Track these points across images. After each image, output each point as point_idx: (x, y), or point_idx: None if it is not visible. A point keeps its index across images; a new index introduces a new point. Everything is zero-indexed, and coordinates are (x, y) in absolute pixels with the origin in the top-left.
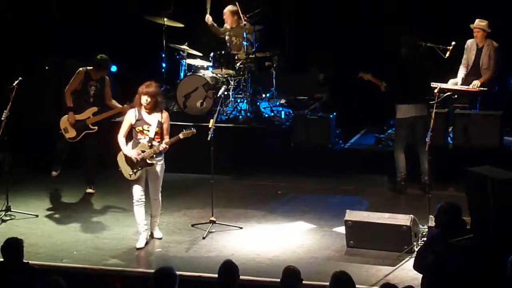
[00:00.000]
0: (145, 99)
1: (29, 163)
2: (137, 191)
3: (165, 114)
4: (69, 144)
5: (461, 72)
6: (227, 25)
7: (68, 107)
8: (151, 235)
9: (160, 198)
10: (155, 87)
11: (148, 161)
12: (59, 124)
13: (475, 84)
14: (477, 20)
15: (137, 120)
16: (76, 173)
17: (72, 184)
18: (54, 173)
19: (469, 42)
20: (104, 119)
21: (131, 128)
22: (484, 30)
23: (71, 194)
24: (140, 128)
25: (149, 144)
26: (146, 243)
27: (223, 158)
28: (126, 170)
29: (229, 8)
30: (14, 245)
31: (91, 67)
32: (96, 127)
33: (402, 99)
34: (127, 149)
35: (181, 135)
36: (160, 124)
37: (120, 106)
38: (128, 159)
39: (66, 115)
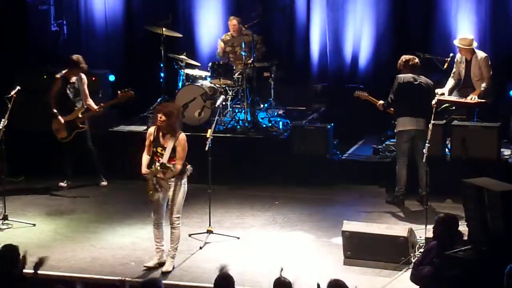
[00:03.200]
0: (159, 117)
1: (27, 171)
2: (154, 213)
3: (181, 136)
4: (68, 149)
5: (449, 83)
6: (229, 35)
7: (54, 113)
8: (159, 264)
9: (177, 225)
10: (172, 108)
11: (158, 185)
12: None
13: (473, 98)
14: (459, 39)
15: (154, 139)
16: (73, 183)
17: (70, 193)
18: (61, 184)
19: (458, 55)
20: (93, 116)
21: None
22: (465, 49)
23: (68, 203)
24: (155, 150)
25: (161, 169)
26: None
27: (220, 168)
28: (148, 189)
29: (237, 18)
30: (9, 253)
31: (66, 70)
32: (85, 126)
33: (402, 112)
34: (143, 167)
35: (188, 173)
36: (174, 148)
37: (95, 107)
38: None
39: (56, 118)
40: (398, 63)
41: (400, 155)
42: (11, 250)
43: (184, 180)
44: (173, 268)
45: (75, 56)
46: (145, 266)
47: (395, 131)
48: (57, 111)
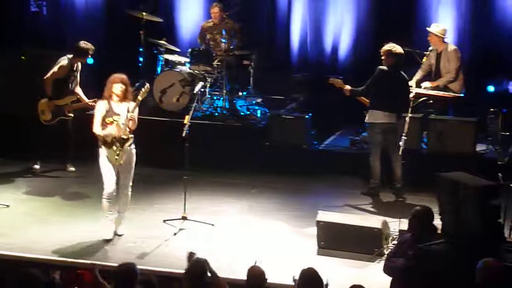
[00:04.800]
0: (119, 87)
1: (2, 153)
2: (111, 185)
3: (134, 103)
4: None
5: (417, 75)
6: (211, 22)
7: (49, 96)
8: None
9: (130, 190)
10: (124, 76)
11: (124, 137)
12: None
13: (426, 86)
14: (433, 24)
15: (107, 112)
16: (50, 164)
17: (48, 176)
18: (36, 166)
19: (431, 47)
20: (80, 109)
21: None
22: (436, 35)
23: (42, 186)
24: (110, 119)
25: (123, 123)
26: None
27: (197, 155)
28: (112, 155)
29: (218, 5)
30: None
31: (72, 56)
32: (71, 115)
33: (376, 105)
34: (105, 131)
35: (139, 97)
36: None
37: (84, 98)
38: (109, 144)
39: (46, 99)
40: (381, 51)
41: (373, 147)
42: None
43: (133, 143)
44: None
45: (83, 44)
46: (108, 240)
47: (365, 121)
48: (52, 95)
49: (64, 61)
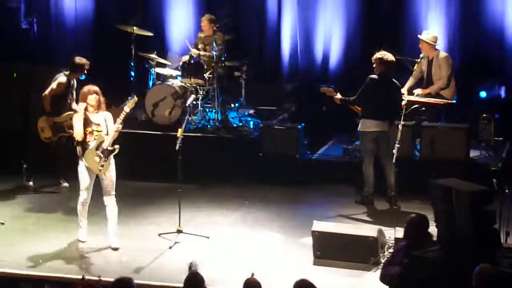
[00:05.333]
0: (93, 98)
1: None
2: (87, 192)
3: (109, 114)
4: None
5: (409, 82)
6: (202, 34)
7: (48, 112)
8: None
9: (115, 202)
10: (95, 86)
11: (110, 148)
12: (34, 123)
13: (418, 94)
14: (423, 32)
15: (85, 122)
16: (44, 181)
17: (42, 192)
18: (30, 183)
19: (422, 55)
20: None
21: None
22: (426, 42)
23: (40, 202)
24: (90, 129)
25: (106, 134)
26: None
27: (190, 168)
28: (94, 165)
29: (207, 17)
30: None
31: (69, 72)
32: (71, 131)
33: (368, 114)
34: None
35: (126, 108)
36: (105, 122)
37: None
38: (92, 155)
39: (45, 116)
40: (372, 59)
41: (366, 155)
42: None
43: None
44: None
45: (78, 59)
46: (82, 241)
47: (358, 130)
48: (50, 112)
49: (61, 78)
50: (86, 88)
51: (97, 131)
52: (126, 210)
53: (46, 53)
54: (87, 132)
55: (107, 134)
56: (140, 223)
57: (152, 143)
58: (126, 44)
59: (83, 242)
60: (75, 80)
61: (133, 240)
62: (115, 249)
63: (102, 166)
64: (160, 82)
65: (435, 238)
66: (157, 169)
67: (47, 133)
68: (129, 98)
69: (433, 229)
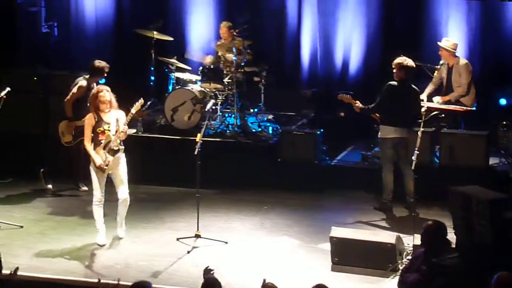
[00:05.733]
0: (106, 94)
1: (16, 173)
2: (100, 191)
3: (121, 112)
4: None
5: (428, 89)
6: (220, 42)
7: (69, 117)
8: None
9: (128, 197)
10: (106, 86)
11: (115, 148)
12: (54, 127)
13: (438, 101)
14: (443, 39)
15: (96, 122)
16: (63, 184)
17: (60, 195)
18: (49, 186)
19: (442, 61)
20: None
21: (92, 131)
22: (446, 50)
23: (55, 205)
24: (101, 129)
25: (113, 135)
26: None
27: (209, 172)
28: (99, 166)
29: (226, 24)
30: None
31: (89, 76)
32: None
33: (387, 121)
34: (94, 155)
35: (133, 110)
36: (117, 122)
37: None
38: (99, 155)
39: (66, 121)
40: (392, 64)
41: (385, 162)
42: None
43: (123, 154)
44: None
45: (98, 62)
46: (101, 245)
47: (378, 137)
48: (72, 117)
49: (82, 81)
50: (96, 89)
51: (108, 130)
52: (144, 215)
53: (66, 57)
54: (99, 132)
55: (114, 134)
56: (158, 228)
57: (171, 148)
58: (146, 48)
59: (102, 246)
60: (95, 84)
61: (152, 245)
62: (120, 238)
63: (106, 165)
64: (179, 86)
65: (453, 245)
66: (176, 174)
67: (68, 138)
68: (148, 103)
69: (451, 236)
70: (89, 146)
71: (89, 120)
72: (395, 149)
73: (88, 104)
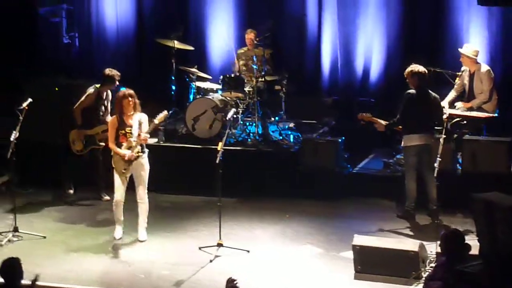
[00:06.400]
0: (129, 100)
1: (37, 183)
2: (121, 190)
3: (144, 115)
4: (75, 158)
5: (450, 95)
6: (241, 50)
7: (78, 125)
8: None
9: (147, 199)
10: (131, 90)
11: (135, 154)
12: (68, 136)
13: (460, 107)
14: (464, 45)
15: (119, 125)
16: (85, 194)
17: (81, 204)
18: (70, 191)
19: (463, 67)
20: None
21: (115, 133)
22: (468, 56)
23: (77, 215)
24: (123, 131)
25: (135, 140)
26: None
27: (231, 181)
28: (119, 167)
29: (253, 31)
30: (9, 266)
31: (100, 84)
32: (103, 144)
33: (409, 129)
34: (122, 150)
35: (156, 121)
36: (140, 125)
37: None
38: (121, 158)
39: (76, 129)
40: (404, 74)
41: (408, 169)
42: (13, 263)
43: (147, 153)
44: None
45: (108, 70)
46: (118, 239)
47: (401, 146)
48: (82, 125)
49: (90, 90)
50: (121, 93)
51: (130, 133)
52: (167, 223)
53: (88, 67)
54: (121, 134)
55: (136, 139)
56: (180, 237)
57: (193, 157)
58: (167, 58)
59: (118, 239)
60: (109, 92)
61: (174, 253)
62: (142, 241)
63: (124, 169)
64: (200, 96)
65: (473, 250)
66: (198, 183)
67: (79, 146)
68: (170, 112)
69: (474, 243)
70: (113, 144)
71: (112, 123)
72: (419, 156)
73: (100, 114)
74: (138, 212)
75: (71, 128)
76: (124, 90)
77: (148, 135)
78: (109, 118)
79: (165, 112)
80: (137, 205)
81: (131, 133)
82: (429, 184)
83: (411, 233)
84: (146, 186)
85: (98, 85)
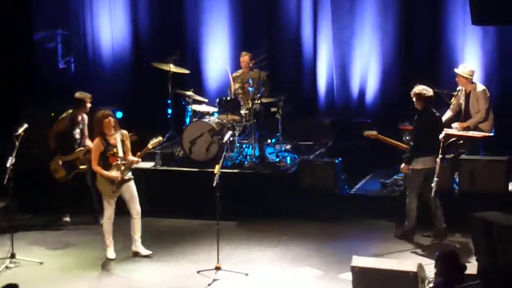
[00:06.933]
0: (109, 120)
1: (35, 209)
2: (111, 210)
3: (124, 132)
4: (63, 185)
5: (447, 115)
6: (236, 73)
7: (53, 150)
8: (135, 253)
9: (140, 217)
10: (107, 110)
11: (125, 178)
12: (49, 166)
13: (456, 127)
14: (460, 65)
15: (105, 147)
16: (81, 219)
17: (77, 229)
18: (66, 219)
19: (459, 87)
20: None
21: (101, 155)
22: (463, 76)
23: (75, 240)
24: (111, 152)
25: (122, 163)
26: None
27: (228, 204)
28: (107, 190)
29: (248, 54)
30: None
31: (72, 109)
32: (85, 166)
33: (426, 151)
34: (108, 173)
35: (149, 146)
36: (123, 143)
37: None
38: (108, 181)
39: (56, 157)
40: (412, 95)
41: (413, 191)
42: None
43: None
44: None
45: (78, 94)
46: (112, 259)
47: (411, 168)
48: (57, 150)
49: (63, 115)
50: (99, 114)
51: (116, 153)
52: (165, 247)
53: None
54: (109, 155)
55: (123, 157)
56: (178, 260)
57: (190, 180)
58: (163, 82)
59: (112, 259)
60: (85, 117)
61: (172, 277)
62: (148, 256)
63: (113, 192)
64: (197, 119)
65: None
66: (195, 206)
67: (61, 173)
68: (167, 136)
69: (473, 263)
70: (98, 167)
71: (97, 146)
72: (425, 178)
73: (77, 137)
74: (134, 229)
75: (50, 158)
76: (102, 111)
77: (140, 159)
78: (88, 142)
79: (159, 138)
80: (133, 222)
81: (117, 152)
82: (433, 204)
83: (409, 253)
84: (138, 204)
85: (70, 110)
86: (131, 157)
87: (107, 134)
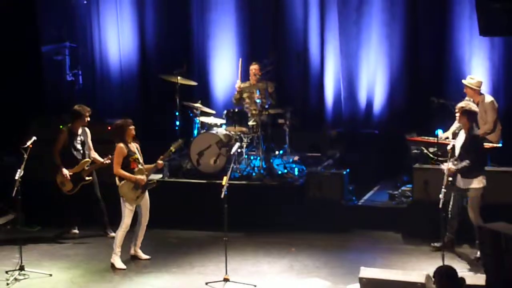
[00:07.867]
0: (133, 128)
1: (43, 221)
2: (130, 218)
3: (136, 144)
4: (71, 198)
5: (454, 126)
6: (247, 82)
7: (58, 165)
8: (134, 257)
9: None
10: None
11: (149, 182)
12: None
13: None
14: (468, 77)
15: (128, 152)
16: (89, 231)
17: (86, 242)
18: (74, 231)
19: (467, 98)
20: (98, 168)
21: (124, 160)
22: (471, 88)
23: (84, 253)
24: (134, 157)
25: (144, 168)
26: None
27: (236, 216)
28: (131, 195)
29: (258, 64)
30: None
31: (71, 123)
32: (91, 177)
33: (480, 171)
34: (135, 176)
35: (172, 148)
36: (139, 151)
37: (100, 159)
38: (133, 186)
39: (61, 172)
40: (456, 108)
41: (478, 208)
42: None
43: None
44: None
45: (77, 106)
46: (122, 269)
47: (475, 187)
48: (62, 163)
49: (63, 129)
50: (125, 122)
51: (137, 158)
52: (173, 260)
53: (91, 104)
54: (132, 160)
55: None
56: (187, 273)
57: (198, 192)
58: (171, 94)
59: (123, 269)
60: (86, 129)
61: None
62: (147, 259)
63: (137, 197)
64: (204, 131)
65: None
66: (203, 218)
67: (68, 186)
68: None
69: (481, 274)
70: (122, 171)
71: (121, 150)
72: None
73: (80, 150)
74: (140, 235)
75: (56, 172)
76: (124, 119)
77: (162, 162)
78: (94, 154)
79: (180, 141)
80: (141, 228)
81: (137, 158)
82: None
83: (417, 264)
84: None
85: (69, 124)
86: (155, 164)
87: (128, 141)
